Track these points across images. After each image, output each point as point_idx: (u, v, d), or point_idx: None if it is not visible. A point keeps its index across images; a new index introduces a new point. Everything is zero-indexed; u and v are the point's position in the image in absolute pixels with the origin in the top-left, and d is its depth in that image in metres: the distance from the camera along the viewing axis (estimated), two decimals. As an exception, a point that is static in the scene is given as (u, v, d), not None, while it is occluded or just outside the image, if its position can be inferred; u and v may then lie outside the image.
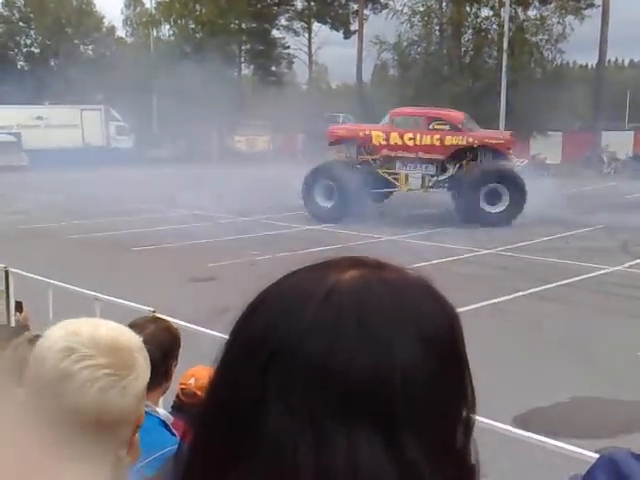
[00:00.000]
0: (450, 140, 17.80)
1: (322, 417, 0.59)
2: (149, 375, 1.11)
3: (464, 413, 0.65)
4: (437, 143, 17.81)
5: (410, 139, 17.78)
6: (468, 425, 0.65)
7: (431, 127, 17.87)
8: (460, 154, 17.95)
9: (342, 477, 0.57)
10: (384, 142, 17.93)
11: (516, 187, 16.92)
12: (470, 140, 17.86)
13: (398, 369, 0.60)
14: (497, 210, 17.04)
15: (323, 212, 17.63)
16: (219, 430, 0.63)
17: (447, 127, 17.95)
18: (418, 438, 0.59)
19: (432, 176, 18.36)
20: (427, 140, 17.76)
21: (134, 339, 1.13)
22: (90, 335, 1.05)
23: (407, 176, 18.51)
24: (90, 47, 49.67)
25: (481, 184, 17.03)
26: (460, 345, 0.66)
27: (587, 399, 6.50)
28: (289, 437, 0.58)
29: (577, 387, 6.70)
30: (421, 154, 17.96)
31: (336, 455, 0.57)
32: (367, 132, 18.24)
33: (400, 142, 17.83)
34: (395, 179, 18.44)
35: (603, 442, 5.37)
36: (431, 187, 18.52)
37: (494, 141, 18.29)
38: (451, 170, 18.12)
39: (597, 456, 1.86)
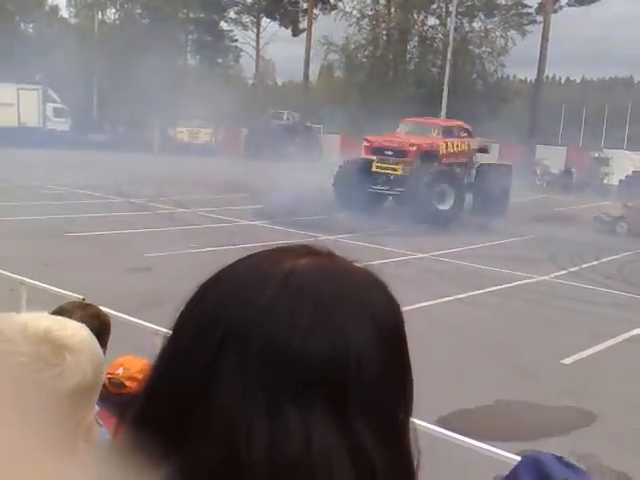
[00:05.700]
0: None
1: (277, 396, 0.59)
2: (86, 379, 1.08)
3: (405, 407, 0.67)
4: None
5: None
6: (407, 420, 0.67)
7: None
8: None
9: (295, 454, 0.58)
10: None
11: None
12: None
13: (353, 353, 0.61)
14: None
15: None
16: (167, 408, 0.62)
17: None
18: (366, 421, 0.61)
19: None
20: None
21: (77, 338, 1.09)
22: (23, 323, 1.05)
23: None
24: (31, 25, 48.07)
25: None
26: (404, 337, 0.68)
27: (511, 402, 6.69)
28: (244, 415, 0.59)
29: (502, 391, 6.90)
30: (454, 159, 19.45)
31: (290, 434, 0.58)
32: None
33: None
34: None
35: (524, 444, 5.55)
36: None
37: None
38: None
39: (518, 458, 1.93)
